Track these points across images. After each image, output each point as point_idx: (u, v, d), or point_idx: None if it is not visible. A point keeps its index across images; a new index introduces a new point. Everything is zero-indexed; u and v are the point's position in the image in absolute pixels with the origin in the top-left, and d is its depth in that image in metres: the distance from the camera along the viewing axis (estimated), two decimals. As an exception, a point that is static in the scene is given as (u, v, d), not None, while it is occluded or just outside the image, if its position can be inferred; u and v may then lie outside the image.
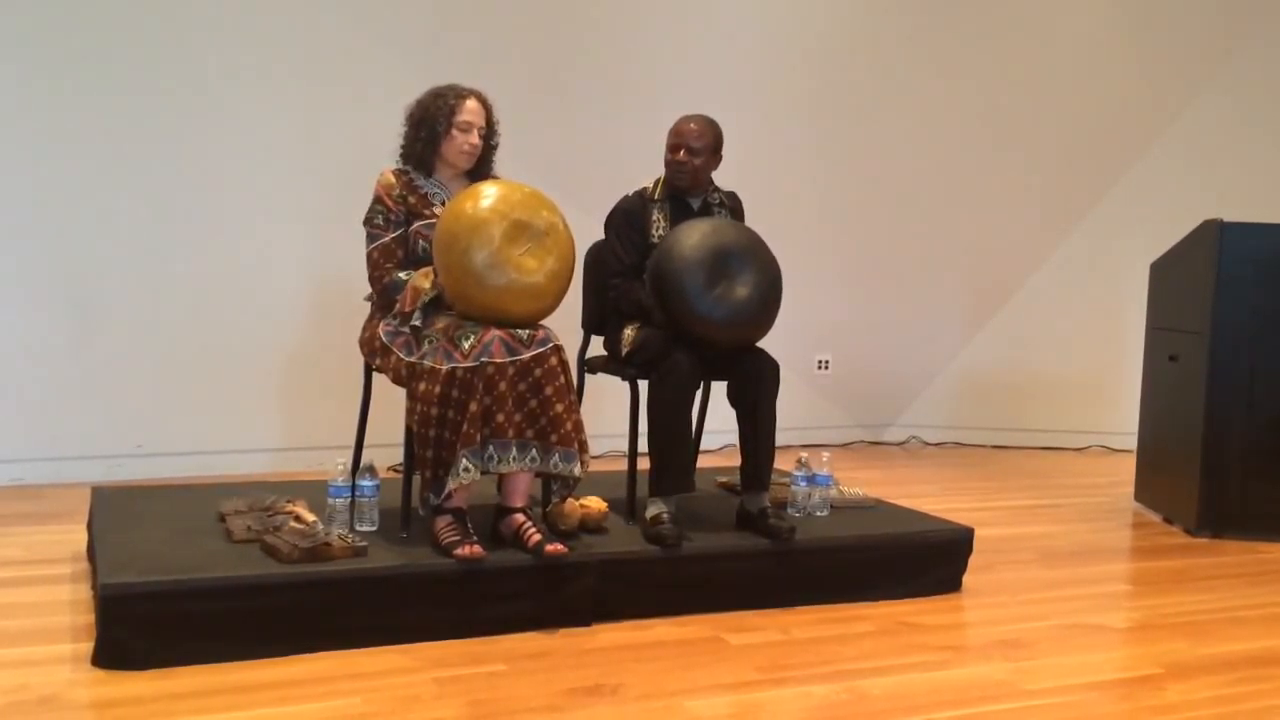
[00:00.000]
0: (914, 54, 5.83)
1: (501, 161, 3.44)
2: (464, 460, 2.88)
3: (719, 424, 3.93)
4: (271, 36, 4.68)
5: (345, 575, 2.78)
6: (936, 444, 6.36)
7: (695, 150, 3.50)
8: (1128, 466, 5.08)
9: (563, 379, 3.02)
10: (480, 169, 3.37)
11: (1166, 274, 4.71)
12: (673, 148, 3.53)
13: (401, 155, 3.32)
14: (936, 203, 6.05)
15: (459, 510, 3.01)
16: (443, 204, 3.23)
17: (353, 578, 2.78)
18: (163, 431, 4.64)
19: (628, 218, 3.57)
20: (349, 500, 3.12)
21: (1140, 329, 4.92)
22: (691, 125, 3.51)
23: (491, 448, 2.93)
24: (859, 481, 4.30)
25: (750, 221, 3.66)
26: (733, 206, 3.70)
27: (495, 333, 2.96)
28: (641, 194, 3.61)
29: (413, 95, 3.32)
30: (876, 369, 6.25)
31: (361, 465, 3.23)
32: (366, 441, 3.52)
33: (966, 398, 6.38)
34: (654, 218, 3.56)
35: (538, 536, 2.99)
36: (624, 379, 3.55)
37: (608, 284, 3.60)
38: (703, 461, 3.92)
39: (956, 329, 6.34)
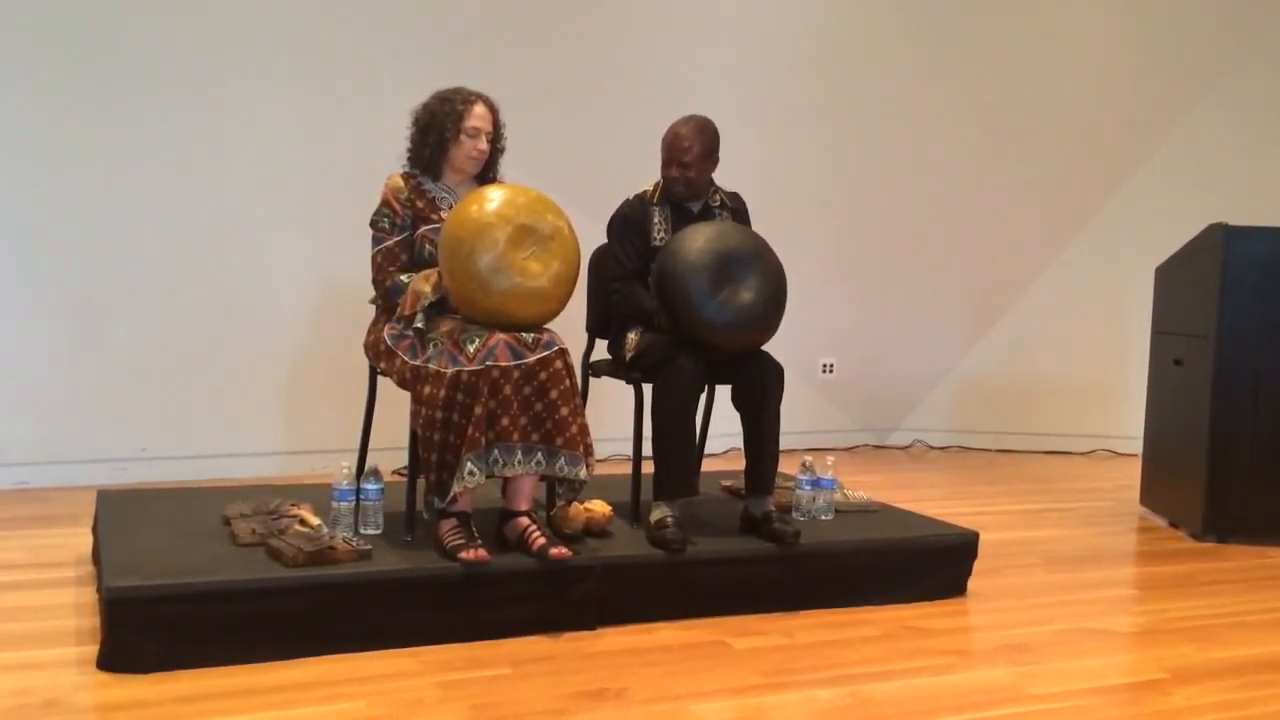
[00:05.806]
0: (919, 59, 5.83)
1: (506, 165, 3.43)
2: (468, 464, 2.88)
3: (723, 427, 3.93)
4: (276, 40, 4.69)
5: (350, 579, 2.78)
6: (941, 448, 6.35)
7: (686, 164, 3.48)
8: (1133, 471, 5.06)
9: (568, 382, 3.02)
10: (487, 173, 3.38)
11: (1171, 278, 4.70)
12: (665, 163, 3.52)
13: (409, 160, 3.32)
14: (941, 206, 6.05)
15: (463, 514, 3.01)
16: (450, 208, 3.23)
17: (357, 581, 2.78)
18: (168, 435, 4.64)
19: (628, 222, 3.58)
20: (353, 504, 3.13)
21: (1145, 333, 4.90)
22: (683, 139, 3.47)
23: (496, 451, 2.93)
24: (863, 485, 4.30)
25: (755, 225, 3.65)
26: (735, 207, 3.68)
27: (500, 336, 2.96)
28: (642, 198, 3.61)
29: (417, 98, 3.31)
30: (881, 372, 6.25)
31: (366, 469, 3.22)
32: (371, 445, 3.52)
33: (971, 401, 6.37)
34: (655, 221, 3.56)
35: (542, 540, 2.99)
36: (628, 382, 3.55)
37: (609, 288, 3.61)
38: (707, 465, 3.92)
39: (961, 332, 6.33)
